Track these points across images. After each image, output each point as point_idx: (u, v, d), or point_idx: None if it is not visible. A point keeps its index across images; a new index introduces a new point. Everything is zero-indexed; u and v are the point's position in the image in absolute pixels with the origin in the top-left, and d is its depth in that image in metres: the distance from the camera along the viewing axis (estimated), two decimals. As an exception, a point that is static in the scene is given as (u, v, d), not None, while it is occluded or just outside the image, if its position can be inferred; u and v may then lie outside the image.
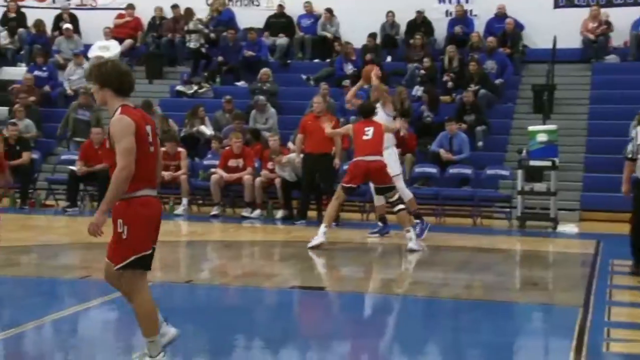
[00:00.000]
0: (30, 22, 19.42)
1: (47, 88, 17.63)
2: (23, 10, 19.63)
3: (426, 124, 15.53)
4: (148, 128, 4.88)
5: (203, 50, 18.14)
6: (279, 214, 13.58)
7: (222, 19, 18.90)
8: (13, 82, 17.53)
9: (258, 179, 13.72)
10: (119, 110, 4.80)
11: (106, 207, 4.73)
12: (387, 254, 10.68)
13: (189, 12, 18.72)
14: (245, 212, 13.61)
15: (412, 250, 10.18)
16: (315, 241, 10.24)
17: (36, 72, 17.70)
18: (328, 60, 18.13)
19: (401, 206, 10.52)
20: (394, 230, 11.34)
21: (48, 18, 19.48)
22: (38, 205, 14.45)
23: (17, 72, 18.17)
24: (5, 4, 19.71)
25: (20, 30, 19.20)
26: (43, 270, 8.78)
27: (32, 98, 16.87)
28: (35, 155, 15.19)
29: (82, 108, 15.89)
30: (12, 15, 19.44)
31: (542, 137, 13.49)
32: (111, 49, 18.64)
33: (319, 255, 9.99)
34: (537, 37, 17.80)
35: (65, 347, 5.85)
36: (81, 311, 6.76)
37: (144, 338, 4.98)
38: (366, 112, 10.88)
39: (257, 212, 13.62)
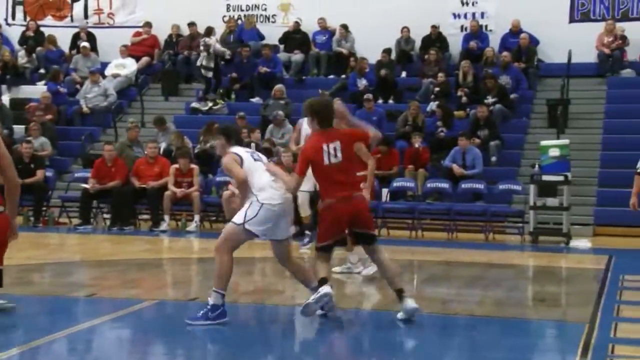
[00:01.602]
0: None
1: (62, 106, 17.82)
2: (42, 29, 19.86)
3: (439, 139, 15.52)
4: None
5: (205, 71, 17.88)
6: (292, 229, 13.55)
7: (239, 36, 19.04)
8: (31, 101, 17.72)
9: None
10: None
11: None
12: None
13: (209, 31, 18.52)
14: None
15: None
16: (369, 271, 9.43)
17: (59, 87, 17.88)
18: (343, 76, 18.18)
19: None
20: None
21: (66, 37, 19.69)
22: (51, 223, 14.57)
23: (35, 91, 18.37)
24: (25, 23, 19.94)
25: (39, 49, 19.41)
26: (53, 289, 8.82)
27: (49, 116, 17.04)
28: (49, 173, 15.31)
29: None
30: (31, 34, 19.66)
31: (554, 152, 13.45)
32: (127, 67, 18.84)
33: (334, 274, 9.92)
34: (552, 52, 17.78)
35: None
36: (89, 328, 6.78)
37: None
38: None
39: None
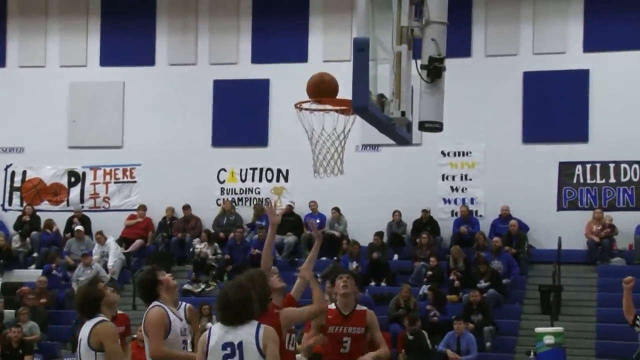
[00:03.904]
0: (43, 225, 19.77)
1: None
2: (38, 214, 20.02)
3: (432, 323, 15.42)
4: None
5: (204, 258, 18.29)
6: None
7: (230, 219, 19.29)
8: (22, 285, 17.64)
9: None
10: None
11: None
12: None
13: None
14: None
15: None
16: None
17: (53, 271, 17.94)
18: (335, 258, 18.26)
19: None
20: None
21: (61, 221, 19.81)
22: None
23: (27, 275, 18.36)
24: (21, 208, 20.12)
25: (33, 233, 19.51)
26: None
27: (43, 300, 16.96)
28: (37, 359, 15.02)
29: None
30: (27, 218, 19.80)
31: (548, 340, 13.29)
32: (111, 252, 18.76)
33: None
34: (542, 238, 17.92)
35: None
36: None
37: None
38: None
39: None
